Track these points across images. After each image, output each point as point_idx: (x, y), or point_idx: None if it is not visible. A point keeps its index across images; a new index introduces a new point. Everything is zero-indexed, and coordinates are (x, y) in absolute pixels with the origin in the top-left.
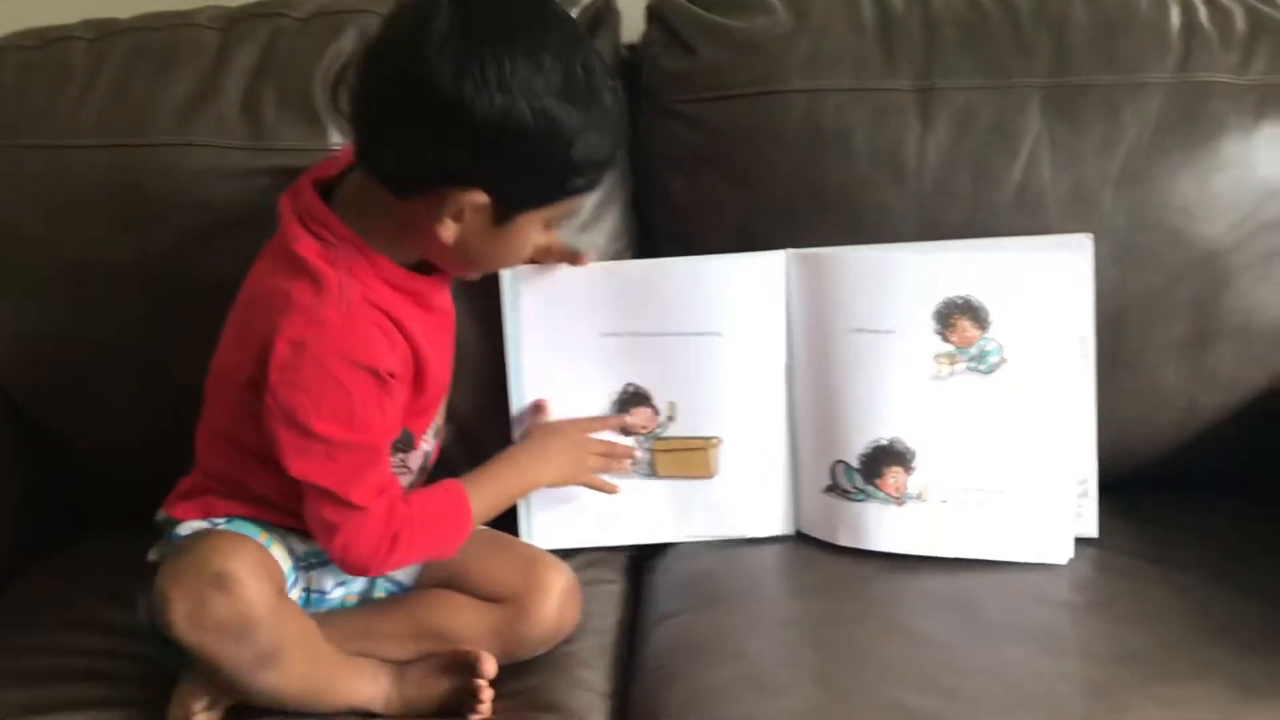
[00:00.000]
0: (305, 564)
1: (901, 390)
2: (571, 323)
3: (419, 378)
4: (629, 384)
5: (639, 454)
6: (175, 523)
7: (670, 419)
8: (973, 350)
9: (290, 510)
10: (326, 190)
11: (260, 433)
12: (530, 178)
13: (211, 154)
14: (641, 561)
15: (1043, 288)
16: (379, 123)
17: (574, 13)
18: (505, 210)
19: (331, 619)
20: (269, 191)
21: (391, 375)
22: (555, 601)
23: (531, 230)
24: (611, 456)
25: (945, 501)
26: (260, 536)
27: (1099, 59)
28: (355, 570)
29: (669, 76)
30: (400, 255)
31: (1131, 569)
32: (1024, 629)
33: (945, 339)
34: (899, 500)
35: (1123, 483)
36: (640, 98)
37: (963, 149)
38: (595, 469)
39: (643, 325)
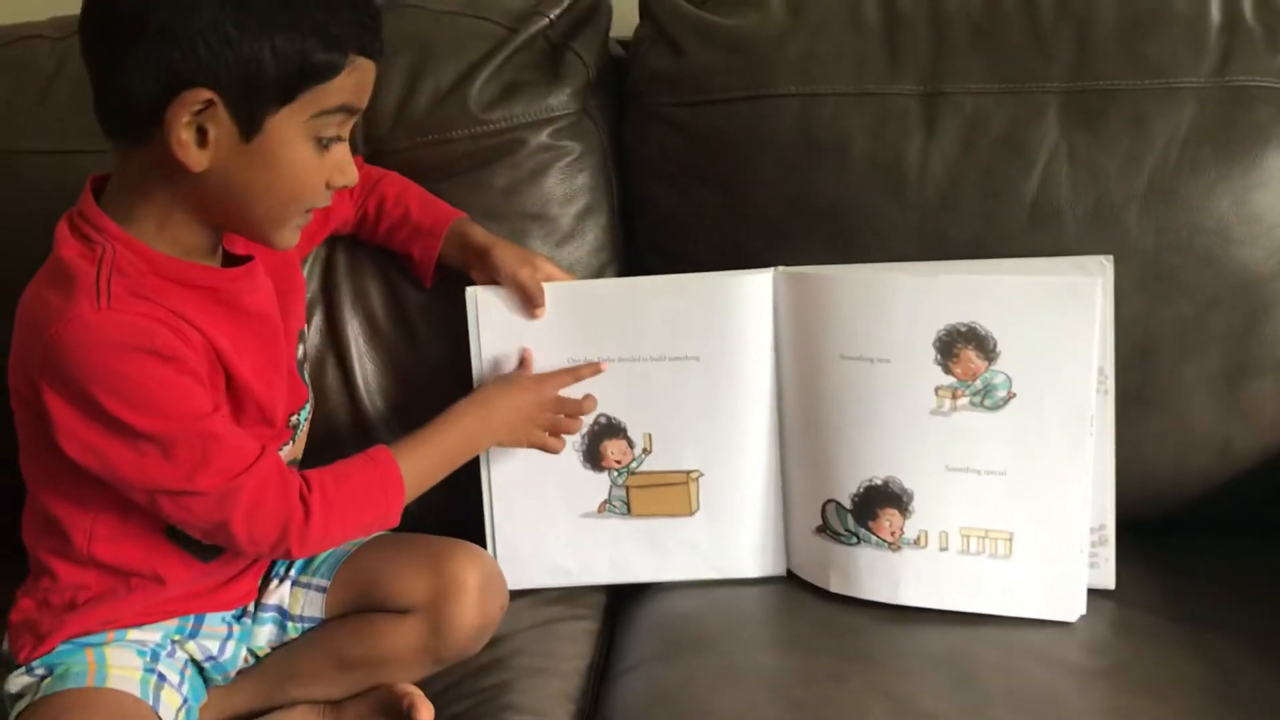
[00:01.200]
0: (176, 641)
1: (898, 425)
2: (536, 349)
3: (231, 391)
4: (601, 414)
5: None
6: (11, 657)
7: (646, 452)
8: (978, 384)
9: (139, 571)
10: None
11: (61, 469)
12: (249, 59)
13: None
14: (622, 598)
15: (1057, 315)
16: (97, 69)
17: (562, 7)
18: (245, 113)
19: (250, 674)
20: None
21: (181, 359)
22: (473, 595)
23: (296, 144)
24: (563, 414)
25: (945, 549)
26: (89, 674)
27: (1125, 61)
28: (280, 554)
29: (656, 78)
30: (183, 240)
31: (1151, 629)
32: (1022, 698)
33: (947, 370)
34: (894, 546)
35: (1146, 529)
36: (627, 100)
37: (971, 160)
38: (544, 427)
39: (615, 350)
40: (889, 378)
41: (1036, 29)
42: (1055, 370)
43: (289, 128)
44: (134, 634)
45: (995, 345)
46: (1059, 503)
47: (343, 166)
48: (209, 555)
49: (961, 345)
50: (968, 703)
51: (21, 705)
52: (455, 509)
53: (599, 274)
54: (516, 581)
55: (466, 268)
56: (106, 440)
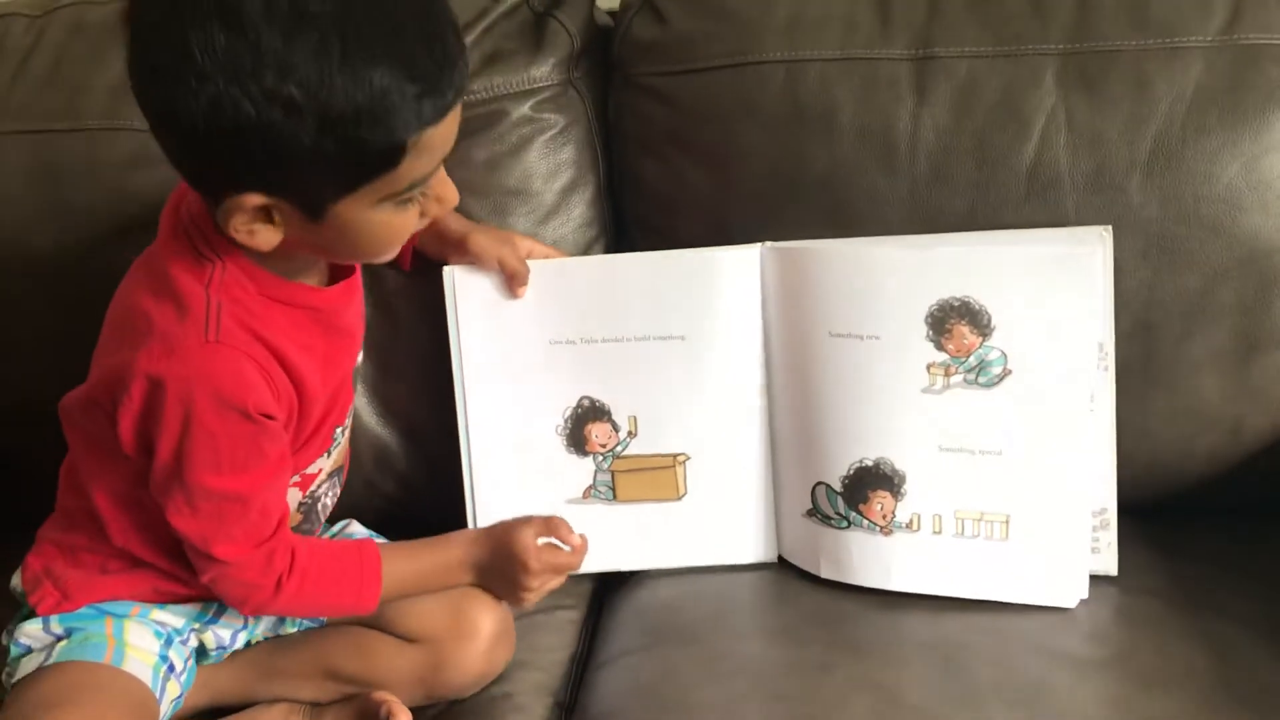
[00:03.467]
0: (195, 629)
1: (888, 405)
2: (516, 330)
3: (300, 411)
4: (584, 397)
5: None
6: (24, 602)
7: (631, 435)
8: (971, 360)
9: (168, 570)
10: None
11: (112, 470)
12: (296, 172)
13: (142, 139)
14: (609, 585)
15: (1054, 288)
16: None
17: None
18: (306, 206)
19: (238, 660)
20: None
21: (266, 417)
22: (484, 645)
23: (372, 216)
24: (553, 574)
25: (939, 533)
26: (108, 649)
27: (1127, 20)
28: (232, 605)
29: (640, 47)
30: (286, 263)
31: (1156, 616)
32: (1016, 690)
33: (939, 347)
34: (885, 529)
35: (1152, 511)
36: (611, 72)
37: (964, 127)
38: (528, 603)
39: (598, 331)
40: (879, 355)
41: None
42: (1053, 346)
43: (357, 209)
44: (157, 614)
45: (989, 320)
46: (1058, 484)
47: (439, 197)
48: None
49: (954, 320)
50: (956, 694)
51: (30, 661)
52: (436, 494)
53: (585, 251)
54: None
55: (445, 258)
56: (158, 467)
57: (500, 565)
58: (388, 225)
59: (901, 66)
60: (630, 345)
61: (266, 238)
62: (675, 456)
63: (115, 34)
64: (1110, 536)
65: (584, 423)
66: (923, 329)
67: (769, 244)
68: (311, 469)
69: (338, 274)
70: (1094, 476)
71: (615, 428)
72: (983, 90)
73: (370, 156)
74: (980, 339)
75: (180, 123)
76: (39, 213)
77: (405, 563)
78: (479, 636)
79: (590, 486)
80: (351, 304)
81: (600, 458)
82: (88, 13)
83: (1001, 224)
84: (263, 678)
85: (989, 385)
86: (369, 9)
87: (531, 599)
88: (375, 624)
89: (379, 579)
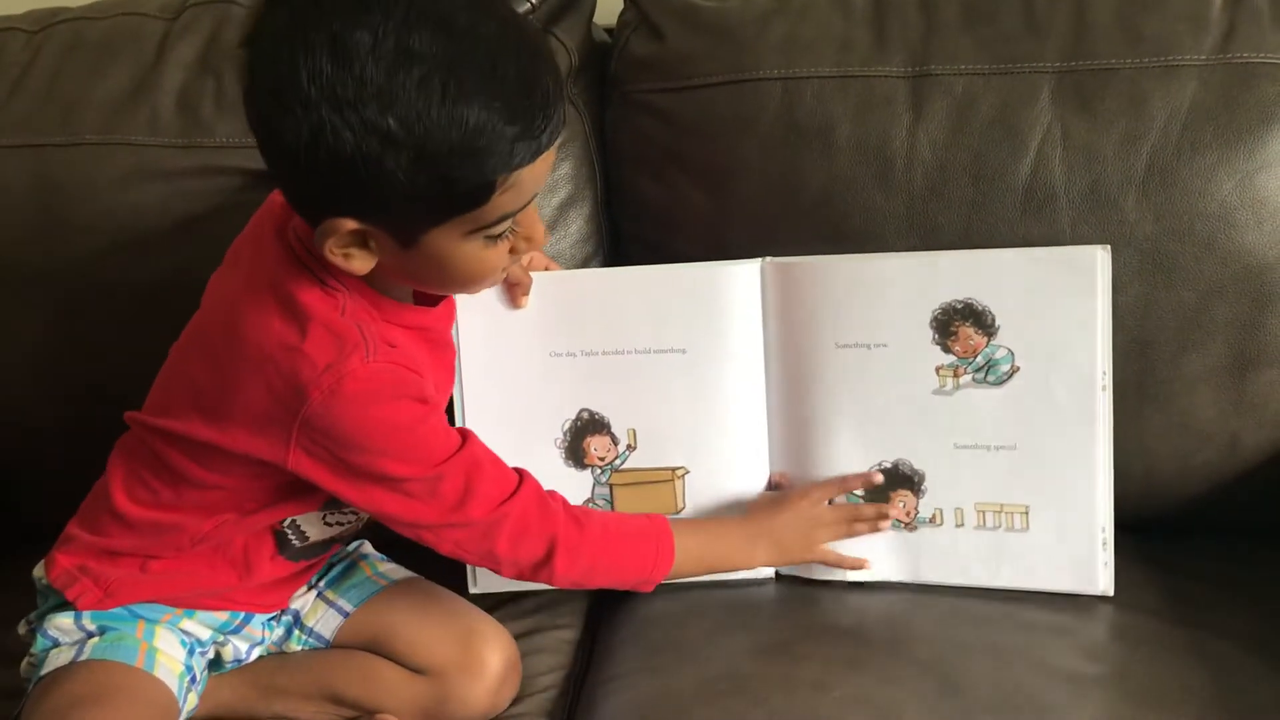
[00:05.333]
0: (219, 643)
1: (902, 409)
2: (516, 341)
3: None
4: (584, 409)
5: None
6: (52, 595)
7: (630, 448)
8: (979, 360)
9: (218, 558)
10: None
11: (230, 479)
12: (390, 201)
13: (140, 153)
14: (604, 602)
15: (1056, 287)
16: None
17: None
18: (398, 234)
19: (241, 674)
20: (198, 194)
21: (432, 401)
22: (492, 682)
23: (463, 248)
24: (851, 521)
25: (961, 526)
26: (140, 653)
27: (1122, 38)
28: (543, 576)
29: (637, 64)
30: (394, 285)
31: (1151, 634)
32: (1013, 708)
33: (947, 349)
34: (910, 526)
35: (1148, 528)
36: (609, 88)
37: (961, 144)
38: (830, 539)
39: (598, 343)
40: (888, 362)
41: (1029, 6)
42: (1059, 339)
43: (448, 240)
44: (186, 623)
45: (994, 320)
46: (1075, 473)
47: (528, 236)
48: (298, 556)
49: (959, 322)
50: (953, 712)
51: (60, 655)
52: None
53: (582, 267)
54: (497, 585)
55: None
56: (369, 490)
57: (776, 524)
58: (478, 259)
59: (898, 84)
60: (631, 358)
61: (361, 263)
62: (674, 470)
63: (116, 48)
64: (1107, 556)
65: (583, 435)
66: (929, 333)
67: (770, 259)
68: None
69: (426, 297)
70: (1091, 499)
71: (614, 441)
72: (979, 107)
73: (461, 192)
74: (986, 339)
75: (285, 146)
76: (35, 227)
77: (693, 536)
78: (487, 674)
79: (589, 499)
80: (450, 318)
81: (599, 470)
82: (85, 28)
83: (997, 240)
84: (264, 695)
85: (998, 383)
86: (473, 50)
87: (836, 534)
88: (382, 651)
89: (673, 546)
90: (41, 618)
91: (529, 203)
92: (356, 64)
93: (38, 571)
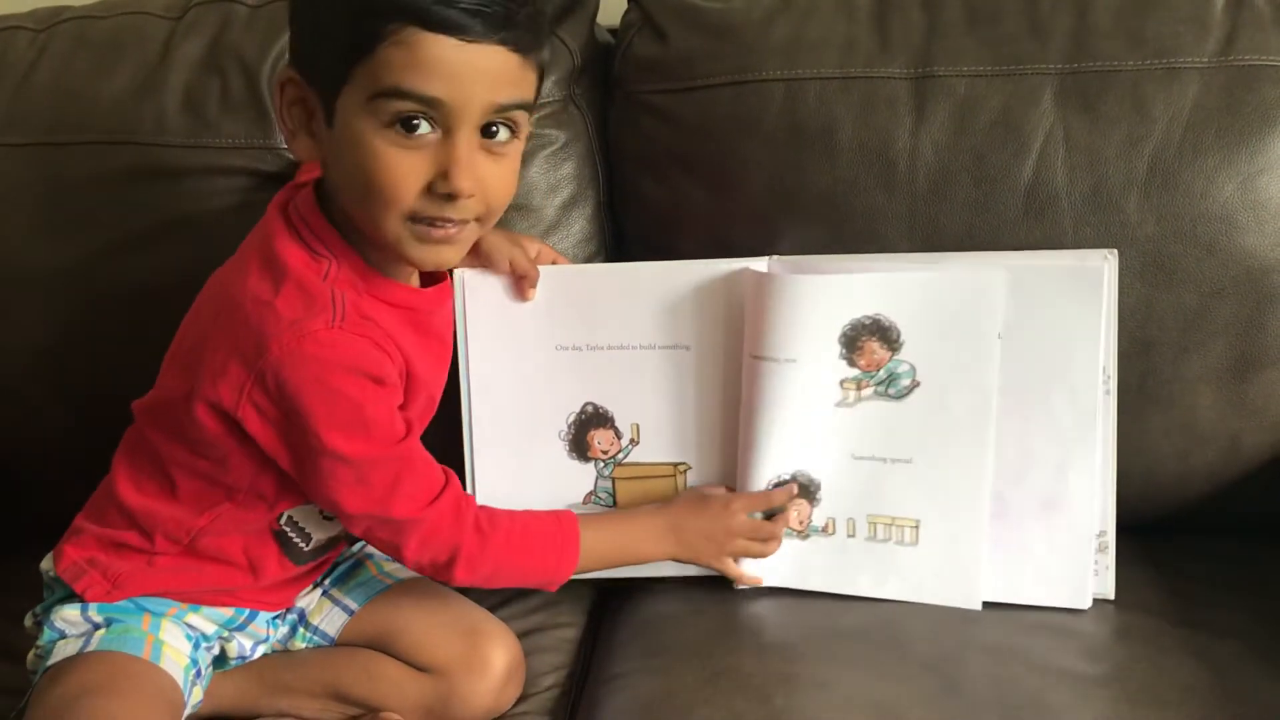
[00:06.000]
0: (224, 638)
1: (804, 420)
2: (523, 334)
3: (408, 394)
4: (588, 403)
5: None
6: (60, 587)
7: (633, 443)
8: (881, 374)
9: (222, 558)
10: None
11: (210, 460)
12: (311, 35)
13: (145, 152)
14: (606, 598)
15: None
16: None
17: None
18: (320, 96)
19: (245, 671)
20: (203, 193)
21: (392, 382)
22: (496, 681)
23: (363, 129)
24: (765, 541)
25: (852, 536)
26: (146, 644)
27: (1124, 40)
28: (445, 577)
29: (640, 65)
30: (386, 251)
31: (1152, 634)
32: (1013, 707)
33: (851, 363)
34: (802, 534)
35: (1149, 528)
36: (612, 89)
37: (963, 145)
38: (741, 554)
39: (604, 337)
40: (795, 376)
41: (1032, 8)
42: (956, 357)
43: (351, 110)
44: (191, 617)
45: (899, 336)
46: (966, 487)
47: (443, 170)
48: (303, 559)
49: (865, 337)
50: (955, 712)
51: (67, 646)
52: None
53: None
54: None
55: None
56: (304, 460)
57: (694, 528)
58: (375, 155)
59: (901, 85)
60: (636, 353)
61: (303, 145)
62: (676, 466)
63: (121, 47)
64: (1109, 560)
65: (587, 428)
66: (837, 349)
67: (777, 256)
68: None
69: (429, 280)
70: (1094, 501)
71: (618, 434)
72: (981, 109)
73: (349, 22)
74: (890, 354)
75: None
76: (41, 226)
77: (601, 531)
78: (491, 673)
79: (591, 492)
80: (444, 308)
81: (602, 464)
82: (90, 27)
83: (1000, 241)
84: (268, 692)
85: (899, 397)
86: None
87: (745, 550)
88: (387, 650)
89: (577, 541)
90: (48, 610)
91: (436, 102)
92: None
93: (46, 564)
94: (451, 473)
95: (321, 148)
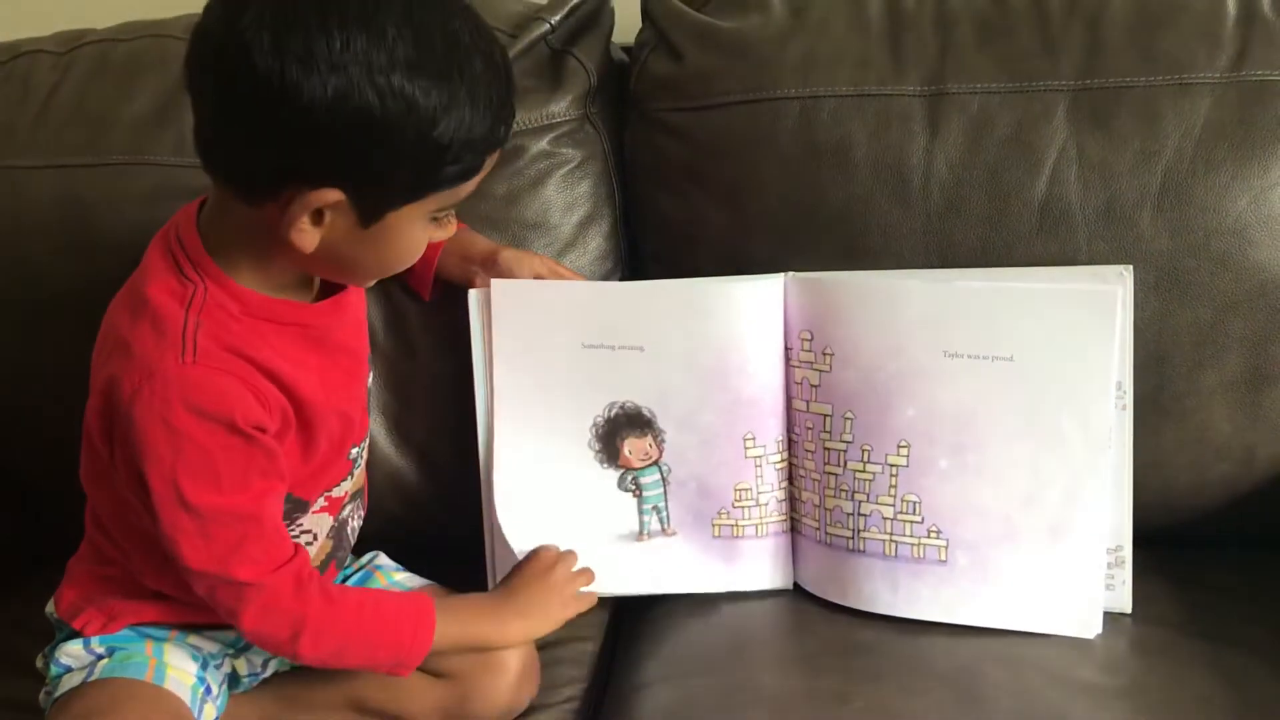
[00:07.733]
0: (230, 655)
1: None
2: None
3: (306, 430)
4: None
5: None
6: (63, 628)
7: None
8: None
9: (184, 598)
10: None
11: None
12: (389, 169)
13: (166, 173)
14: (623, 615)
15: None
16: (207, 114)
17: (564, 12)
18: (369, 209)
19: (263, 690)
20: None
21: (259, 430)
22: (513, 678)
23: (413, 228)
24: (580, 601)
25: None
26: (149, 668)
27: (1137, 57)
28: (286, 654)
29: (656, 83)
30: (278, 279)
31: (1169, 646)
32: (1032, 719)
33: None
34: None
35: (1165, 541)
36: (627, 107)
37: (977, 162)
38: (570, 615)
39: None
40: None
41: (1044, 25)
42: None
43: (410, 218)
44: (193, 638)
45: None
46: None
47: (442, 225)
48: None
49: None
50: None
51: (71, 678)
52: (455, 521)
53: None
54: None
55: (468, 279)
56: (155, 504)
57: (542, 600)
58: (418, 241)
59: (914, 102)
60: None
61: (309, 240)
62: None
63: (143, 69)
64: (1125, 574)
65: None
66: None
67: (793, 274)
68: (337, 491)
69: (325, 291)
70: (1110, 515)
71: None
72: (995, 126)
73: (452, 171)
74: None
75: (302, 103)
76: (63, 247)
77: (454, 617)
78: (507, 671)
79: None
80: (344, 321)
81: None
82: (111, 50)
83: (1014, 257)
84: (288, 709)
85: None
86: (480, 52)
87: (573, 611)
88: None
89: (432, 631)
90: (54, 649)
91: None
92: (388, 38)
93: (49, 608)
94: (302, 548)
95: (334, 238)
